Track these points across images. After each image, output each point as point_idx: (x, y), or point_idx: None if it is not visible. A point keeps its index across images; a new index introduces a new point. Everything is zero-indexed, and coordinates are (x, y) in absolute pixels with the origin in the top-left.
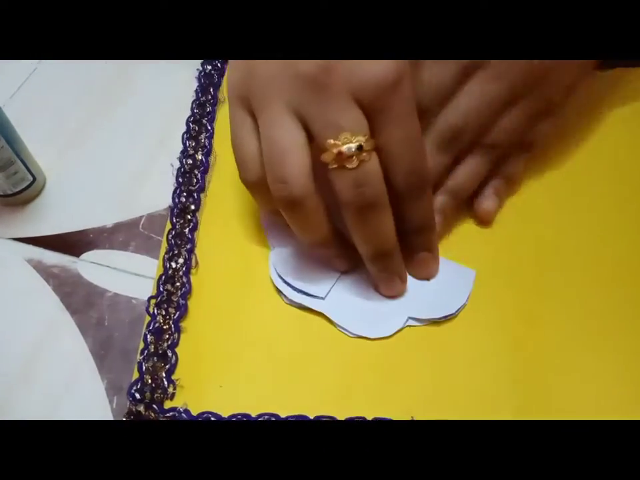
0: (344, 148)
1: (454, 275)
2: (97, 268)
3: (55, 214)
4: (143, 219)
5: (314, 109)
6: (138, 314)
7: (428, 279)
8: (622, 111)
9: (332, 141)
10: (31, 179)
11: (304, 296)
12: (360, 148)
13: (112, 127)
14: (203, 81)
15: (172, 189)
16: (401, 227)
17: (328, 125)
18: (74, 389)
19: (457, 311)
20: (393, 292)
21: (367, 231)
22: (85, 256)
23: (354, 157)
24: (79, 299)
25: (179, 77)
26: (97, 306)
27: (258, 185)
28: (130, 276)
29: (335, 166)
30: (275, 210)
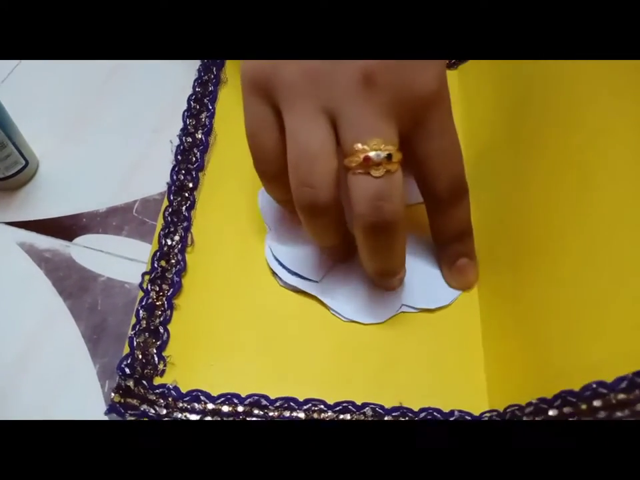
0: (372, 154)
1: None
2: (90, 252)
3: (48, 198)
4: (136, 203)
5: (350, 110)
6: (131, 298)
7: (469, 288)
8: None
9: (361, 146)
10: (24, 162)
11: (298, 279)
12: (389, 157)
13: (107, 110)
14: (205, 60)
15: (167, 173)
16: (439, 237)
17: (360, 129)
18: (66, 374)
19: (450, 302)
20: (391, 290)
21: (375, 249)
22: (78, 240)
23: (381, 165)
24: (72, 283)
25: (175, 63)
26: (90, 290)
27: (275, 178)
28: (123, 260)
29: (359, 171)
30: (283, 201)
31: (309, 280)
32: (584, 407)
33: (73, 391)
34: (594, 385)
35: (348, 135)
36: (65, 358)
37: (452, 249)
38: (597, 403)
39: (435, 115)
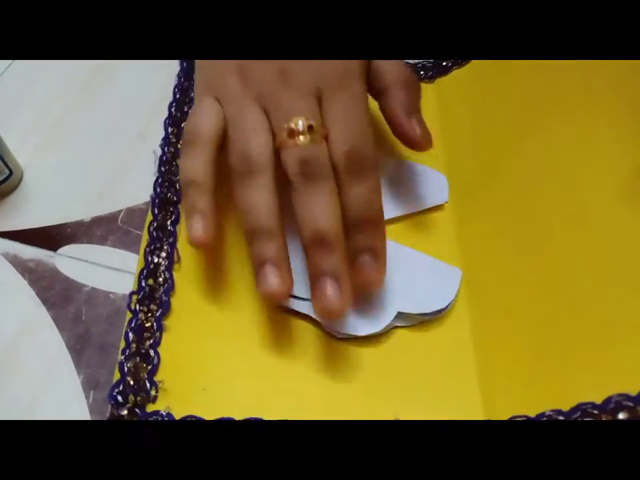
0: (293, 125)
1: (440, 272)
2: (74, 262)
3: (32, 208)
4: (121, 213)
5: (274, 98)
6: (116, 308)
7: (369, 291)
8: None
9: (286, 124)
10: (8, 172)
11: (290, 298)
12: (311, 127)
13: (91, 119)
14: (185, 65)
15: (152, 182)
16: (345, 223)
17: (284, 111)
18: (50, 384)
19: (447, 307)
20: (326, 307)
21: (309, 205)
22: (62, 250)
23: (305, 134)
24: (56, 293)
25: (160, 66)
26: (74, 300)
27: (203, 142)
28: (108, 270)
29: (288, 144)
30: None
31: (300, 298)
32: (607, 419)
33: (57, 401)
34: (617, 397)
35: (274, 118)
36: (48, 368)
37: (354, 240)
38: (622, 416)
39: (346, 85)
